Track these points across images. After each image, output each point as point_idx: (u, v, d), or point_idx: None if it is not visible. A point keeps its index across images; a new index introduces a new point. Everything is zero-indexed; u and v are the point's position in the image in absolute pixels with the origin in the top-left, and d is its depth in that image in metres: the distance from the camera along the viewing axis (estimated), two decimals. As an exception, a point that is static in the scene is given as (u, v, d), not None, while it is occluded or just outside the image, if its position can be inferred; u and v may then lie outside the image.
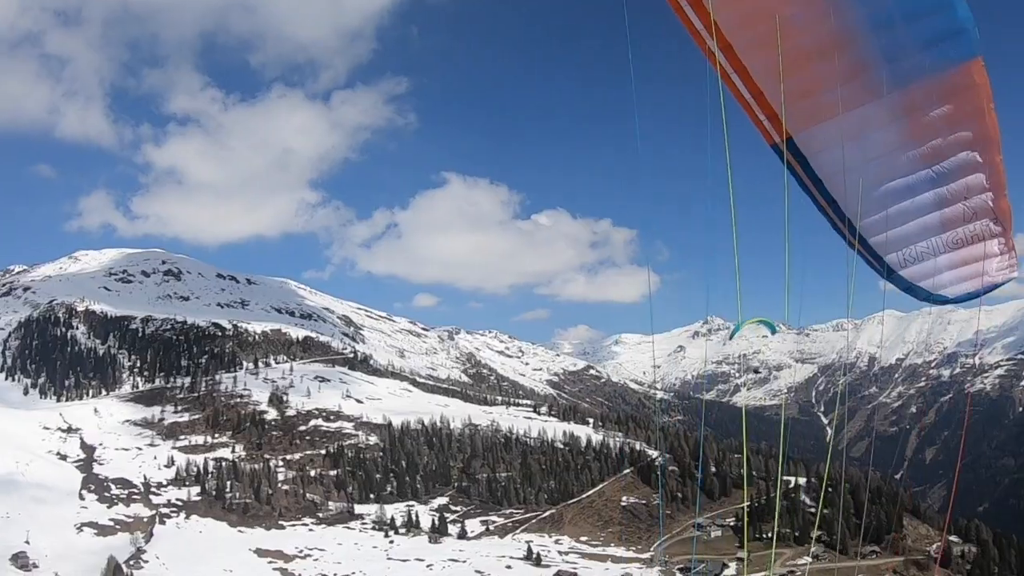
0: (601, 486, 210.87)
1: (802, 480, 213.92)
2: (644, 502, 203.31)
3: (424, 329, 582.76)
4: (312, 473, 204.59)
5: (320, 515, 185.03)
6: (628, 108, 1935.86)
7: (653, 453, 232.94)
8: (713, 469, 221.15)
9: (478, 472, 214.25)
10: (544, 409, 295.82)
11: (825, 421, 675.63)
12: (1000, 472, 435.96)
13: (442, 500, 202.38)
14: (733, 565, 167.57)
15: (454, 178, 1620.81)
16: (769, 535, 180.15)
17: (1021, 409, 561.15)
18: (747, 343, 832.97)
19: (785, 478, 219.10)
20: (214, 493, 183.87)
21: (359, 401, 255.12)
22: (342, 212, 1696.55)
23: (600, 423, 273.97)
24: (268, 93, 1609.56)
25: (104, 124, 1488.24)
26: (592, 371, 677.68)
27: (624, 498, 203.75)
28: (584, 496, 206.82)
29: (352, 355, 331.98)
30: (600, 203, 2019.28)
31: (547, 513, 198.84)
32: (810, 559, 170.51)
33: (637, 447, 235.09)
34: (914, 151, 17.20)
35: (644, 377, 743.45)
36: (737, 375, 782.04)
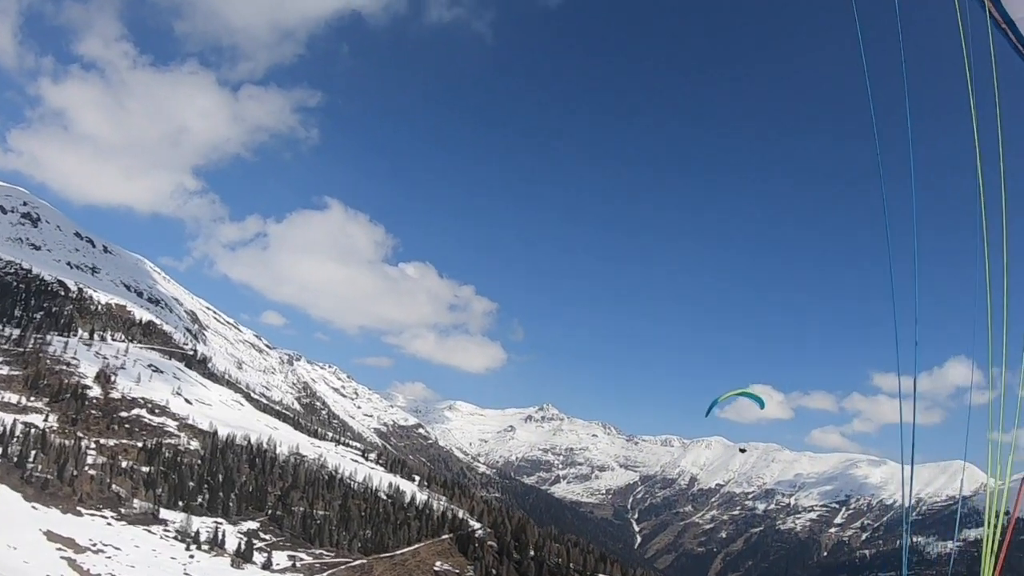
0: (417, 546, 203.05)
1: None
2: (457, 571, 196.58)
3: (268, 347, 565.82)
4: (124, 464, 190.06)
5: (123, 510, 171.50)
6: (523, 186, 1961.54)
7: (475, 524, 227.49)
8: (532, 553, 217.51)
9: (295, 504, 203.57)
10: (373, 456, 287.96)
11: (636, 528, 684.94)
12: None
13: (253, 524, 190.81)
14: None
15: (336, 205, 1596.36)
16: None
17: (825, 553, 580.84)
18: (577, 438, 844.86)
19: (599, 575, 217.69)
20: (15, 460, 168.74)
21: (188, 401, 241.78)
22: (217, 207, 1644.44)
23: (426, 483, 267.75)
24: (181, 65, 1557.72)
25: (9, 43, 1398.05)
26: (421, 430, 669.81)
27: (438, 563, 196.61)
28: (398, 552, 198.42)
29: (192, 352, 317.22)
30: (469, 269, 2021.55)
31: (357, 562, 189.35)
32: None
33: (460, 514, 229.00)
34: None
35: (470, 448, 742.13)
36: (560, 466, 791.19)
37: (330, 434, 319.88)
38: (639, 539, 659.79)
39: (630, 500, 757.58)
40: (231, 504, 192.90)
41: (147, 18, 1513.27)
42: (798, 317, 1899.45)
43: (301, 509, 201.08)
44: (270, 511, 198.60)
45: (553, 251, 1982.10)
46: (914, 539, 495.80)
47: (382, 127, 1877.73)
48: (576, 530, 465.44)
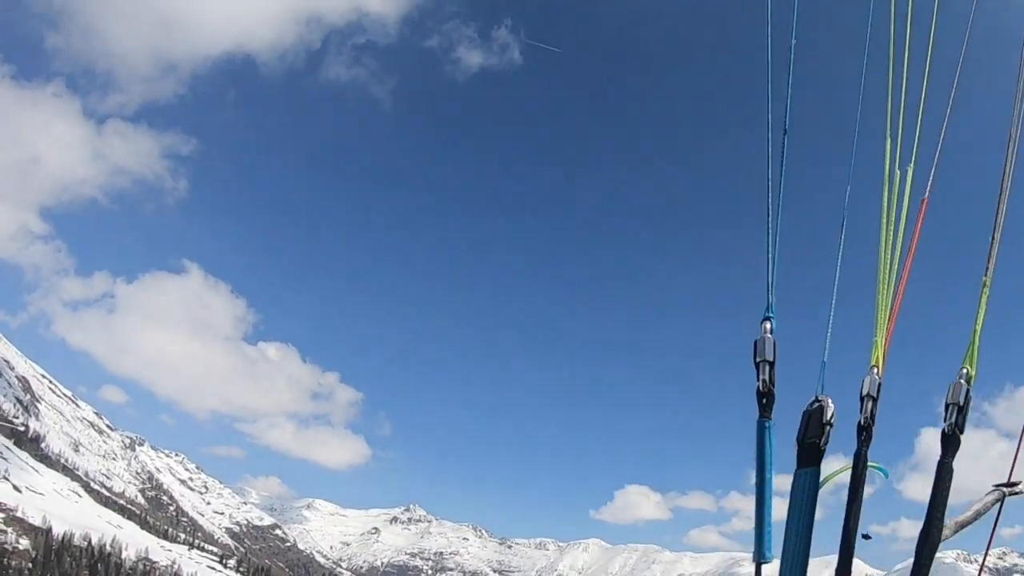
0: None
1: None
2: None
3: (109, 427, 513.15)
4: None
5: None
6: (399, 271, 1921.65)
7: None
8: None
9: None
10: (233, 563, 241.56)
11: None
12: None
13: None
14: None
15: (195, 270, 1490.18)
16: None
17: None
18: (447, 541, 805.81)
19: None
20: None
21: (17, 489, 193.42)
22: (62, 257, 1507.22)
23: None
24: (46, 84, 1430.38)
25: None
26: (279, 531, 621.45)
27: None
28: None
29: (23, 428, 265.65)
30: (335, 355, 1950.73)
31: None
32: None
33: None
34: None
35: (331, 552, 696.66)
36: (430, 572, 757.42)
37: (182, 535, 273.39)
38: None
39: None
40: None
41: (16, 22, 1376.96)
42: (673, 417, 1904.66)
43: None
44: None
45: (424, 343, 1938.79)
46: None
47: (258, 188, 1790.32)
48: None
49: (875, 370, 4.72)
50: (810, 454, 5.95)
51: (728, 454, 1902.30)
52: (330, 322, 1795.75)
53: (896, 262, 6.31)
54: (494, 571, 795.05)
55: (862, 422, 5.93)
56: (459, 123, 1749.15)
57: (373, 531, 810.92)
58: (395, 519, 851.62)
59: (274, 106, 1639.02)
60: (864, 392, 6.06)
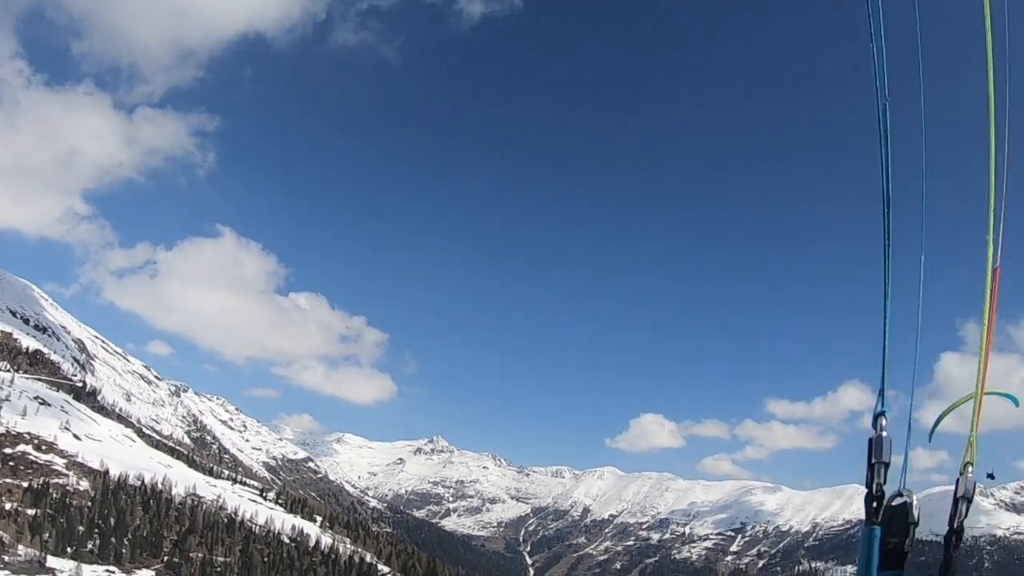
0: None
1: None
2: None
3: (157, 377, 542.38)
4: (7, 506, 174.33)
5: (6, 558, 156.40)
6: (420, 218, 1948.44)
7: (383, 568, 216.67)
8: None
9: (194, 550, 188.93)
10: (272, 495, 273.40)
11: (529, 561, 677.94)
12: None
13: (148, 573, 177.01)
14: None
15: (228, 233, 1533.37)
16: None
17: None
18: (467, 470, 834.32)
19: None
20: None
21: (77, 437, 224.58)
22: (106, 233, 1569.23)
23: (328, 523, 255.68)
24: (76, 86, 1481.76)
25: None
26: (311, 464, 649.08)
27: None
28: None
29: (81, 384, 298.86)
30: (362, 300, 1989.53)
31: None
32: None
33: (367, 558, 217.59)
34: None
35: (359, 482, 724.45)
36: (451, 499, 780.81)
37: (226, 472, 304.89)
38: (532, 572, 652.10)
39: (522, 532, 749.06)
40: (124, 551, 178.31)
41: (44, 36, 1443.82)
42: (688, 345, 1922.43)
43: (200, 555, 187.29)
44: (166, 558, 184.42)
45: (447, 284, 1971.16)
46: (813, 564, 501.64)
47: (280, 153, 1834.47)
48: (469, 564, 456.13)
49: (970, 467, 7.13)
50: (893, 558, 6.06)
51: (743, 383, 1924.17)
52: (356, 271, 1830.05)
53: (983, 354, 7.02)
54: (512, 498, 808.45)
55: (956, 526, 6.78)
56: (467, 71, 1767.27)
57: (398, 461, 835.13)
58: (419, 450, 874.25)
59: (288, 77, 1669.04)
60: (959, 494, 6.92)
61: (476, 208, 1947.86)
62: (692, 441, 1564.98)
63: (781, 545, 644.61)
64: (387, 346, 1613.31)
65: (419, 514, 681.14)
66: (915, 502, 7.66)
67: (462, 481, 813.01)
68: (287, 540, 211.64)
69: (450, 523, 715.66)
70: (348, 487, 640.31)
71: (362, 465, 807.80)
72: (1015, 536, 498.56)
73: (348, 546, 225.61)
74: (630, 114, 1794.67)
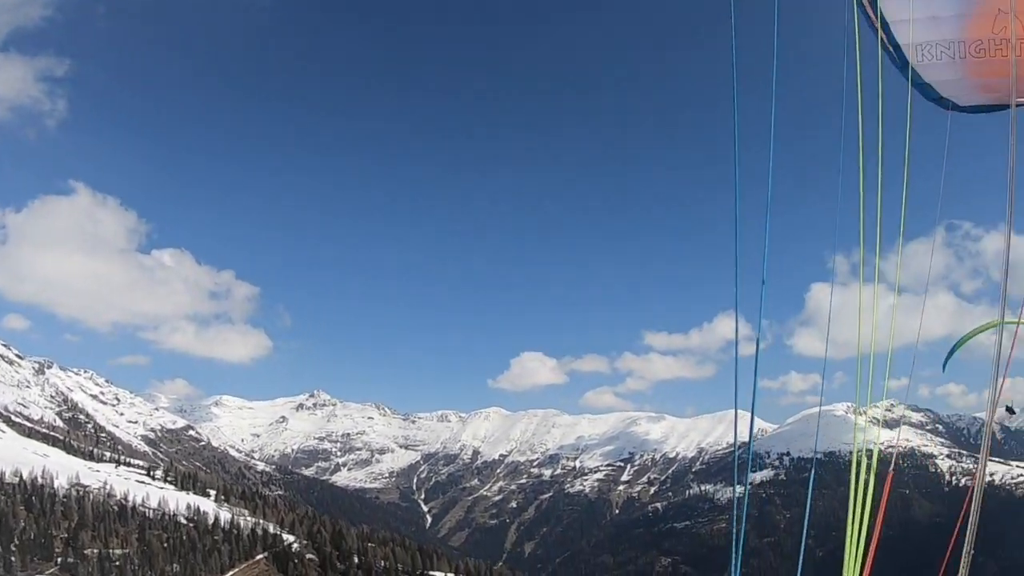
0: (232, 573, 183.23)
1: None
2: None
3: (18, 356, 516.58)
4: None
5: None
6: (285, 164, 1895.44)
7: (289, 537, 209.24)
8: (356, 560, 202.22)
9: (87, 546, 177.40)
10: (160, 473, 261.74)
11: (425, 508, 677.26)
12: (599, 569, 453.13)
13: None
14: None
15: (83, 189, 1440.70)
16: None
17: (617, 511, 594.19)
18: (352, 422, 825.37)
19: (432, 573, 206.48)
20: None
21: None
22: None
23: (224, 496, 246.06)
24: None
25: None
26: (192, 432, 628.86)
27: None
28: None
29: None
30: (229, 253, 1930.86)
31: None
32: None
33: (271, 529, 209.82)
34: None
35: (243, 445, 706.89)
36: (339, 453, 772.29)
37: (107, 454, 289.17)
38: (430, 519, 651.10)
39: (415, 480, 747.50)
40: (12, 558, 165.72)
41: None
42: (564, 282, 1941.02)
43: (95, 551, 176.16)
44: (59, 559, 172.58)
45: (316, 230, 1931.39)
46: (702, 487, 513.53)
47: (138, 99, 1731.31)
48: (366, 519, 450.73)
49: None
50: None
51: (620, 317, 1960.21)
52: (221, 223, 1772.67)
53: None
54: (401, 446, 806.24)
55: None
56: (332, 7, 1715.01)
57: (281, 420, 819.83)
58: (301, 406, 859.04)
59: (146, 15, 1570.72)
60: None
61: (341, 148, 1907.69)
62: (574, 376, 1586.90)
63: (670, 471, 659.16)
64: (259, 300, 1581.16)
65: (308, 472, 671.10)
66: None
67: (348, 434, 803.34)
68: (184, 521, 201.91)
69: (341, 478, 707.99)
70: (233, 452, 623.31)
71: (244, 427, 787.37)
72: (888, 449, 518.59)
73: (248, 519, 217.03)
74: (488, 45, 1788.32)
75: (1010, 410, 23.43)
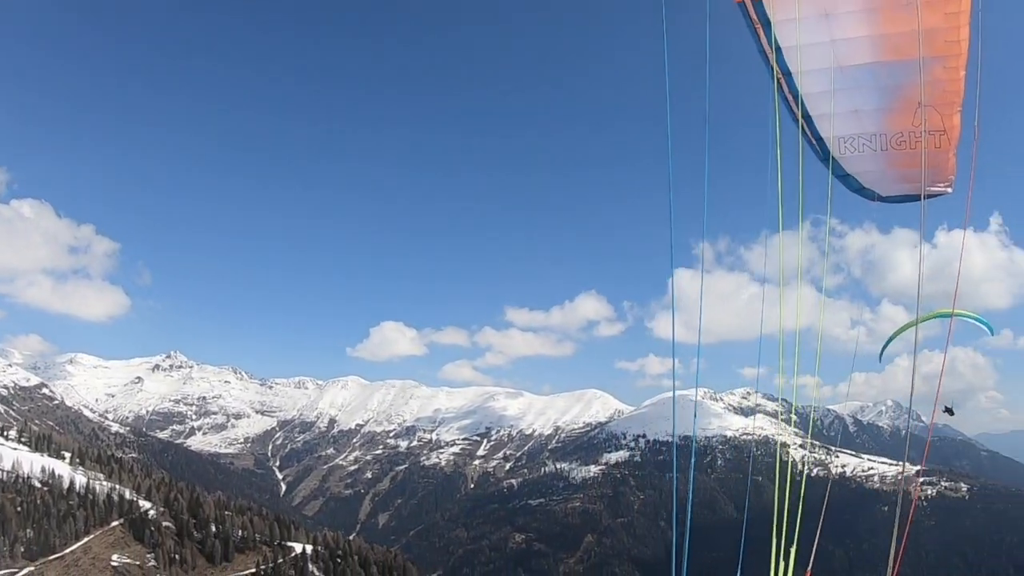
0: (87, 540, 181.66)
1: (308, 548, 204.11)
2: (138, 562, 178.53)
3: None
4: None
5: None
6: (153, 115, 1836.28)
7: (145, 504, 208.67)
8: (213, 529, 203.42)
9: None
10: (14, 433, 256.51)
11: (280, 476, 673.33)
12: (453, 543, 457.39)
13: None
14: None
15: None
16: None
17: (472, 485, 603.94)
18: (209, 385, 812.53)
19: (288, 544, 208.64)
20: None
21: None
22: None
23: (79, 459, 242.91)
24: None
25: None
26: (46, 390, 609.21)
27: (115, 557, 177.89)
28: (68, 551, 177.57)
29: None
30: (90, 206, 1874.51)
31: (24, 572, 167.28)
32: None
33: (127, 495, 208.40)
34: (881, 40, 17.39)
35: (97, 405, 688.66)
36: (194, 417, 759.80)
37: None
38: (284, 487, 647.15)
39: (270, 447, 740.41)
40: None
41: None
42: (427, 253, 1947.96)
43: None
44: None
45: (181, 190, 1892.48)
46: (558, 466, 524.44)
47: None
48: (221, 485, 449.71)
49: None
50: None
51: (482, 291, 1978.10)
52: (83, 174, 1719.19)
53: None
54: (257, 412, 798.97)
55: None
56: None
57: (136, 380, 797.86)
58: (157, 367, 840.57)
59: None
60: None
61: (210, 98, 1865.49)
62: (433, 348, 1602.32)
63: (526, 448, 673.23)
64: (119, 256, 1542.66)
65: (163, 435, 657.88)
66: None
67: (204, 397, 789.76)
68: (39, 484, 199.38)
69: (196, 442, 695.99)
70: (87, 412, 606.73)
71: (99, 387, 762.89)
72: (743, 436, 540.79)
73: (104, 483, 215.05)
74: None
75: (949, 411, 24.78)
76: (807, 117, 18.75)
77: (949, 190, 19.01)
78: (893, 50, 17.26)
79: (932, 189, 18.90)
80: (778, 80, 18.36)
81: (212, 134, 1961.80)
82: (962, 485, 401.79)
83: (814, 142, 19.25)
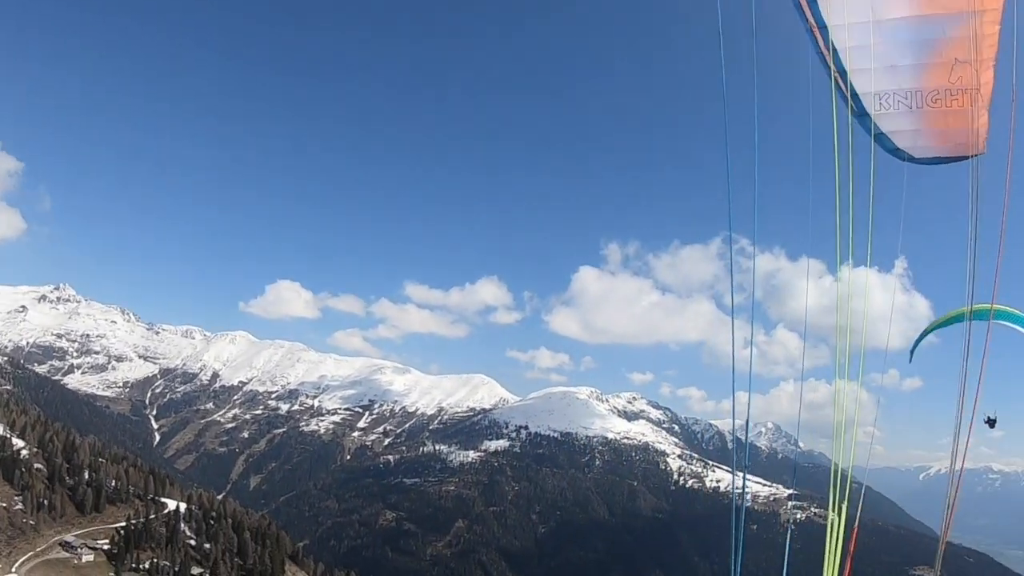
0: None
1: (182, 506, 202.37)
2: (4, 504, 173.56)
3: None
4: None
5: None
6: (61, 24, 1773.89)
7: (18, 442, 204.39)
8: (87, 476, 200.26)
9: None
10: None
11: (155, 425, 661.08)
12: (323, 513, 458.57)
13: None
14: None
15: None
16: (147, 565, 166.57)
17: (348, 457, 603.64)
18: (94, 323, 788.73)
19: (161, 500, 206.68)
20: None
21: None
22: None
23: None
24: None
25: None
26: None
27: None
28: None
29: None
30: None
31: None
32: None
33: (0, 431, 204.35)
34: None
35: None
36: (75, 354, 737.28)
37: None
38: (158, 437, 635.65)
39: (148, 395, 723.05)
40: None
41: None
42: (332, 216, 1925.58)
43: None
44: None
45: (93, 115, 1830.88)
46: (437, 447, 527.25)
47: None
48: (94, 428, 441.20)
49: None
50: None
51: (383, 261, 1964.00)
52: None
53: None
54: (140, 356, 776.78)
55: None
56: None
57: (20, 309, 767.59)
58: (43, 297, 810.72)
59: None
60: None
61: (125, 17, 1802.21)
62: (327, 313, 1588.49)
63: (407, 425, 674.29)
64: (20, 177, 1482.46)
65: (41, 369, 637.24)
66: None
67: (88, 335, 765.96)
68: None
69: (73, 381, 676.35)
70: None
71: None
72: (624, 440, 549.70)
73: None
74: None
75: (991, 422, 23.17)
76: (842, 72, 18.63)
77: (982, 151, 18.74)
78: (933, 3, 17.36)
79: (964, 151, 18.77)
80: (812, 31, 18.30)
81: (136, 66, 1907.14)
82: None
83: (849, 98, 19.09)
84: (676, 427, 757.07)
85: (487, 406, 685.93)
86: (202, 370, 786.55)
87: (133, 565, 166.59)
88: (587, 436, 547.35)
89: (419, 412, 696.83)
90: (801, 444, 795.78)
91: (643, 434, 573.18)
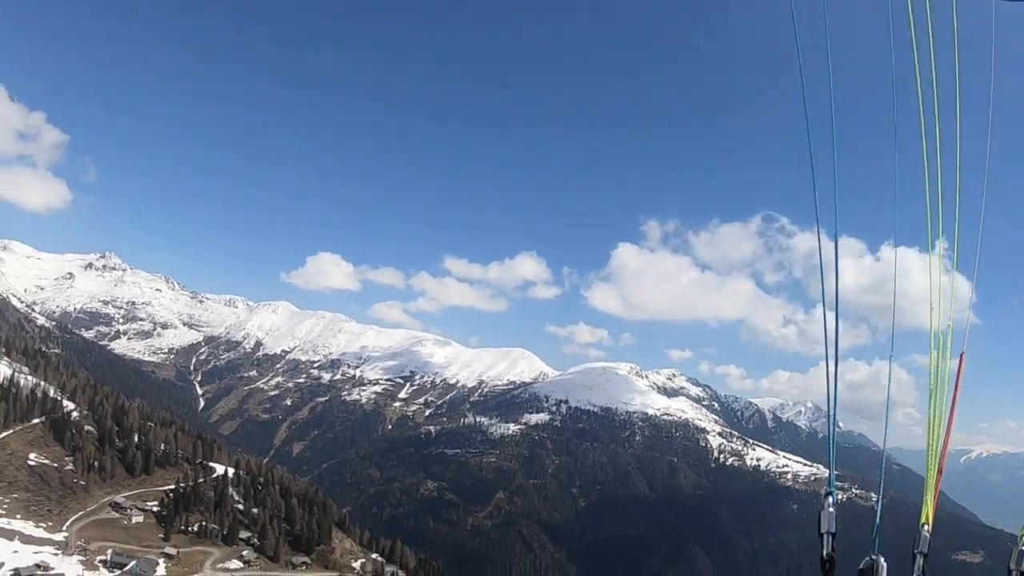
0: (6, 435, 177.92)
1: (230, 470, 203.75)
2: (56, 464, 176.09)
3: None
4: None
5: None
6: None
7: (69, 404, 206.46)
8: (136, 439, 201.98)
9: None
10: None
11: (200, 391, 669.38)
12: (365, 481, 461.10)
13: None
14: (163, 564, 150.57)
15: None
16: (195, 528, 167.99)
17: (390, 426, 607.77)
18: (140, 291, 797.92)
19: (209, 464, 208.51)
20: None
21: None
22: None
23: (4, 350, 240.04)
24: None
25: None
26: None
27: (32, 455, 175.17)
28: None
29: None
30: (45, 93, 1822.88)
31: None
32: (240, 563, 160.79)
33: (51, 393, 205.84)
34: None
35: (26, 296, 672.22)
36: (121, 321, 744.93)
37: None
38: (203, 403, 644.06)
39: (193, 361, 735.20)
40: None
41: None
42: (373, 188, 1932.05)
43: None
44: None
45: (139, 90, 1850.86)
46: (477, 419, 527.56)
47: None
48: (139, 392, 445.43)
49: (926, 527, 8.67)
50: None
51: (423, 235, 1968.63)
52: (41, 59, 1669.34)
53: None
54: (184, 324, 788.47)
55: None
56: None
57: (68, 276, 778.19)
58: (90, 265, 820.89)
59: None
60: (916, 549, 8.24)
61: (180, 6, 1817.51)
62: (368, 286, 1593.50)
63: (448, 397, 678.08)
64: (67, 149, 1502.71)
65: (88, 335, 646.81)
66: (883, 566, 8.26)
67: (134, 302, 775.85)
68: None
69: (119, 346, 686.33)
70: (15, 301, 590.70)
71: (29, 278, 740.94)
72: (664, 416, 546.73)
73: (29, 378, 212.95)
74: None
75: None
76: None
77: None
78: None
79: None
80: None
81: (182, 40, 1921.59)
82: (873, 495, 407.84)
83: None
84: (716, 404, 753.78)
85: (527, 379, 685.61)
86: (245, 338, 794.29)
87: (182, 527, 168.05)
88: (627, 411, 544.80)
89: (460, 384, 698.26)
90: (841, 424, 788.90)
91: (683, 411, 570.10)
